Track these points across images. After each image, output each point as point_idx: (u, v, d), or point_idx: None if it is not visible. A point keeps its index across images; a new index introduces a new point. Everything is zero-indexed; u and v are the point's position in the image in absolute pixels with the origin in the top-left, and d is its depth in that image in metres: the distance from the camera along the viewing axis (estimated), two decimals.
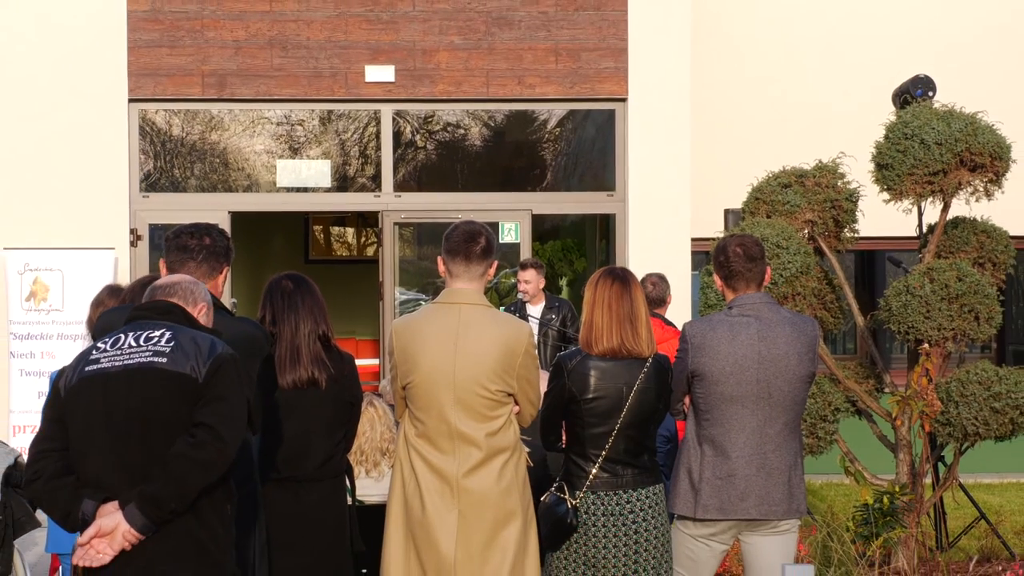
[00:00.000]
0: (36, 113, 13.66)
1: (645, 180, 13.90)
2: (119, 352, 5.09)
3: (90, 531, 4.90)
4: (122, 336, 5.15)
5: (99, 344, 5.17)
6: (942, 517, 10.22)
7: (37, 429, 5.26)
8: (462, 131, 14.74)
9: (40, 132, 13.66)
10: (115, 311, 6.34)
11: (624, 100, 13.98)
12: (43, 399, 8.15)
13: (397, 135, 14.25)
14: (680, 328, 7.46)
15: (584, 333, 6.58)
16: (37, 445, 5.14)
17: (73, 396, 5.08)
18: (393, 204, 14.14)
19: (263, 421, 5.98)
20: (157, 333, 5.12)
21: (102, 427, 5.01)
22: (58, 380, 5.19)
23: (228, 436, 4.98)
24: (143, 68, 13.74)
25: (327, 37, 13.82)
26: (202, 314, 5.40)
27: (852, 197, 9.88)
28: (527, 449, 6.59)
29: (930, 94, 10.18)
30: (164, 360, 5.02)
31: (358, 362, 6.94)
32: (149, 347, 5.07)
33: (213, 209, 13.63)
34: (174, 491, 4.90)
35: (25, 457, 8.07)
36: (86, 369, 5.10)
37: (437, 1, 13.87)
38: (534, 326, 12.17)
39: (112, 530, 4.89)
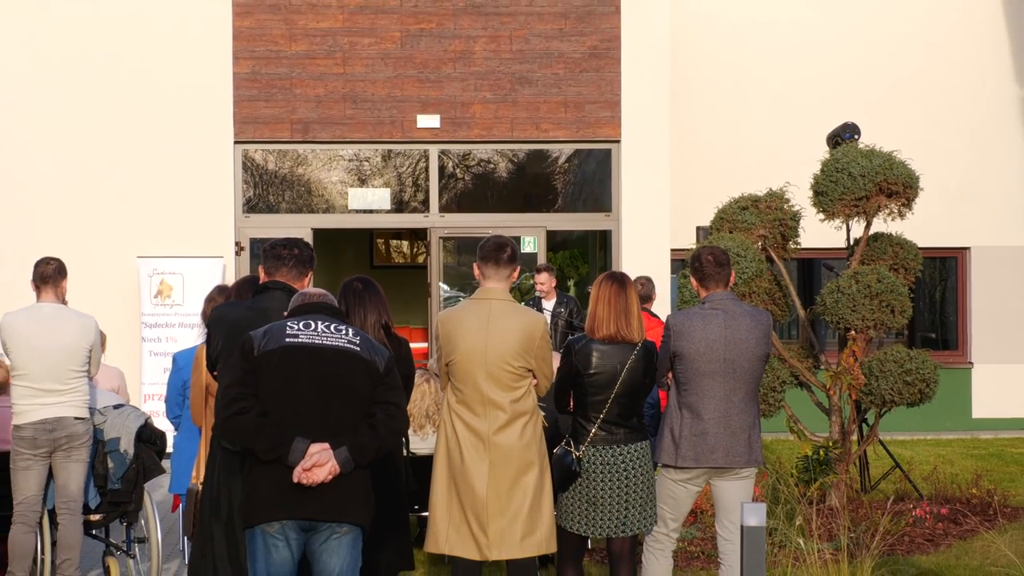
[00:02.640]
0: (164, 153, 13.69)
1: (634, 204, 13.86)
2: (315, 333, 5.21)
3: (311, 460, 5.04)
4: (312, 322, 5.26)
5: (290, 323, 5.24)
6: (865, 466, 10.17)
7: (230, 378, 5.23)
8: (492, 165, 14.70)
9: (166, 167, 13.68)
10: (223, 305, 6.31)
11: (618, 142, 13.94)
12: (167, 374, 8.15)
13: (442, 169, 14.22)
14: (664, 319, 7.42)
15: (588, 322, 6.54)
16: (235, 388, 5.16)
17: (276, 358, 5.14)
18: (438, 222, 14.11)
19: None
20: (343, 328, 5.30)
21: (309, 384, 5.13)
22: (248, 343, 5.18)
23: (406, 414, 5.35)
24: (245, 117, 13.74)
25: (388, 93, 13.81)
26: None
27: (795, 217, 9.86)
28: (543, 413, 6.55)
29: (856, 137, 10.13)
30: (358, 348, 5.22)
31: (412, 345, 6.91)
32: (342, 336, 5.24)
33: (299, 226, 13.64)
34: (377, 446, 5.18)
35: (154, 420, 8.09)
36: (286, 340, 5.17)
37: (473, 65, 13.85)
38: (548, 317, 12.11)
39: (326, 463, 5.04)
